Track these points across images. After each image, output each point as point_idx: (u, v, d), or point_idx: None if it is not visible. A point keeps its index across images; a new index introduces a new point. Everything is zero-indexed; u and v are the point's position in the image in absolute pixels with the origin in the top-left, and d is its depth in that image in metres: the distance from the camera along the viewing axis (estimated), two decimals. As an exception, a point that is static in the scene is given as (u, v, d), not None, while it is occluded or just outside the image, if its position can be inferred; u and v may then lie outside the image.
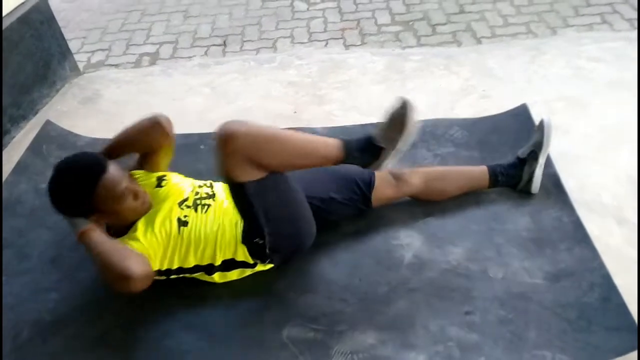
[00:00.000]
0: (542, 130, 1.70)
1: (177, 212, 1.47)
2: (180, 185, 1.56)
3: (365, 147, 1.40)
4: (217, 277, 1.50)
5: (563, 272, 1.48)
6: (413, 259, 1.57)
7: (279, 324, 1.42)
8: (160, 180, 1.56)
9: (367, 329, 1.39)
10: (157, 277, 1.45)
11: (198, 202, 1.51)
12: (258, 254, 1.48)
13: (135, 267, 1.26)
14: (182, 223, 1.45)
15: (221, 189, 1.58)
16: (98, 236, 1.36)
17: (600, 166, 1.86)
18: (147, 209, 1.48)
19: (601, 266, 1.47)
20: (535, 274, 1.48)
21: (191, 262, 1.46)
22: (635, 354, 1.26)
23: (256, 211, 1.41)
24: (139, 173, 1.59)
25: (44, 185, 1.95)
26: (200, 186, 1.58)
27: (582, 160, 1.89)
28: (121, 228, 1.45)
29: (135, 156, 1.64)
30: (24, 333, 1.47)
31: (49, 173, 2.00)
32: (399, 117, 1.37)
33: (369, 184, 1.64)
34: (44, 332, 1.47)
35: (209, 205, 1.50)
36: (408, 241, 1.61)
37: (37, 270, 1.65)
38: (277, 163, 1.38)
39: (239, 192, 1.41)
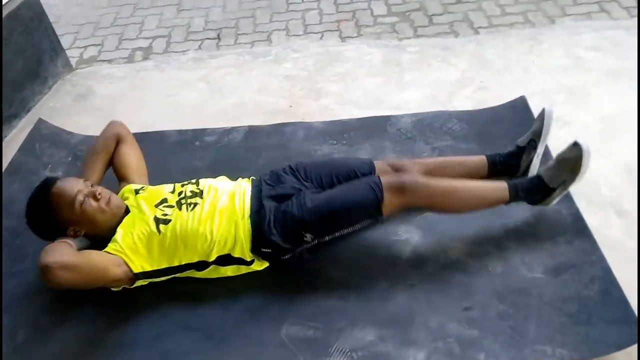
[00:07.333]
0: (542, 118, 1.68)
1: (154, 212, 1.49)
2: (158, 188, 1.59)
3: (534, 189, 1.53)
4: (211, 270, 1.49)
5: (563, 265, 1.47)
6: (412, 254, 1.55)
7: (278, 322, 1.41)
8: (139, 189, 1.60)
9: (367, 326, 1.38)
10: (145, 280, 1.46)
11: (183, 201, 1.52)
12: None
13: (49, 258, 1.30)
14: (162, 221, 1.46)
15: (214, 185, 1.56)
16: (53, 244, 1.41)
17: (599, 157, 1.84)
18: (118, 210, 1.51)
19: (601, 259, 1.46)
20: (535, 268, 1.47)
21: (181, 260, 1.45)
22: (635, 347, 1.26)
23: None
24: (125, 190, 1.63)
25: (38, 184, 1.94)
26: (183, 185, 1.58)
27: (581, 151, 1.87)
28: (104, 237, 1.46)
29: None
30: (20, 334, 1.46)
31: (42, 172, 2.01)
32: (571, 160, 1.48)
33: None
34: (40, 334, 1.46)
35: (195, 204, 1.50)
36: (407, 237, 1.60)
37: (33, 271, 1.63)
38: (447, 210, 1.56)
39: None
